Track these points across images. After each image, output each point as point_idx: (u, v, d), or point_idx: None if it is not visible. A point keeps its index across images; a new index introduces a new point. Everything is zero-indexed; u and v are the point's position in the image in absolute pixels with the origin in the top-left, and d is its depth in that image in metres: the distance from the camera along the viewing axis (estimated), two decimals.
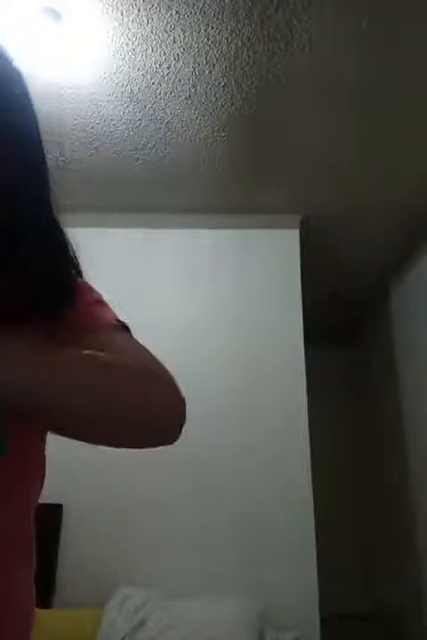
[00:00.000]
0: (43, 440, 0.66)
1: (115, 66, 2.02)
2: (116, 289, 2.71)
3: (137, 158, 2.52)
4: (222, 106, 2.21)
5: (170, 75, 2.06)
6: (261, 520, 2.42)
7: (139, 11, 1.80)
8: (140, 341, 0.67)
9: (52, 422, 0.58)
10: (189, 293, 2.81)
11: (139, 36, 1.89)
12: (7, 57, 0.65)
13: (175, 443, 0.64)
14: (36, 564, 0.65)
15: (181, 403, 0.62)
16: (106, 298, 0.72)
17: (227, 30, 1.87)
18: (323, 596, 2.34)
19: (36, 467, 0.65)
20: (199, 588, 2.26)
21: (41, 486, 0.67)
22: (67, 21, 1.82)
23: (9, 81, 0.64)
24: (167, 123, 2.31)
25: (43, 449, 0.67)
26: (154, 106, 2.22)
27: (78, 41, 1.90)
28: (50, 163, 0.75)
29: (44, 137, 0.71)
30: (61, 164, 2.54)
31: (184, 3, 1.77)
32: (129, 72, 2.04)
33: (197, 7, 1.79)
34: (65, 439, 0.61)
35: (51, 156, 2.42)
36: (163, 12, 1.80)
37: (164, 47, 1.94)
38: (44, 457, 0.67)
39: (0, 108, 0.61)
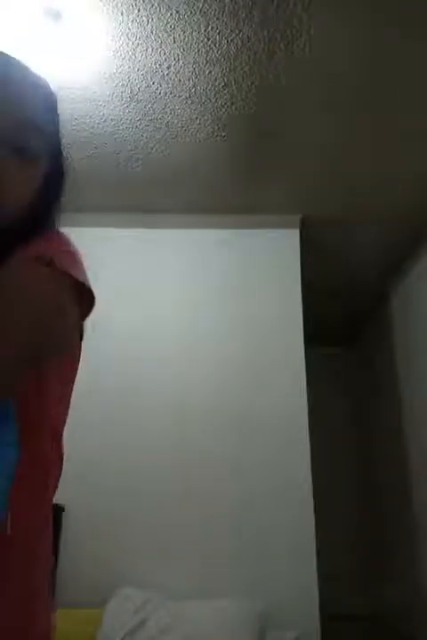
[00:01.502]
0: (55, 441, 0.68)
1: (115, 66, 2.01)
2: (116, 289, 2.73)
3: (137, 158, 2.52)
4: (222, 106, 2.20)
5: (170, 75, 2.06)
6: (262, 520, 2.42)
7: (139, 11, 1.80)
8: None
9: None
10: (189, 293, 2.81)
11: (139, 35, 1.89)
12: (38, 76, 0.73)
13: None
14: None
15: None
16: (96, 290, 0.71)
17: (227, 30, 1.87)
18: (323, 596, 2.34)
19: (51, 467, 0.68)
20: (199, 588, 2.26)
21: (55, 486, 0.69)
22: (67, 21, 1.82)
23: (46, 98, 0.73)
24: (167, 123, 2.31)
25: (57, 449, 0.69)
26: (154, 106, 2.22)
27: (78, 41, 1.90)
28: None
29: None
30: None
31: (184, 3, 1.77)
32: (129, 72, 2.04)
33: (197, 7, 1.79)
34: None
35: None
36: (163, 11, 1.80)
37: (164, 47, 1.94)
38: (61, 457, 0.70)
39: (43, 124, 0.70)
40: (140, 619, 2.04)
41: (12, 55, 0.71)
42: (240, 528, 2.41)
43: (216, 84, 2.10)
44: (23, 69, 0.71)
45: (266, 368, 2.67)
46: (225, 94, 2.14)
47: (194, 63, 2.00)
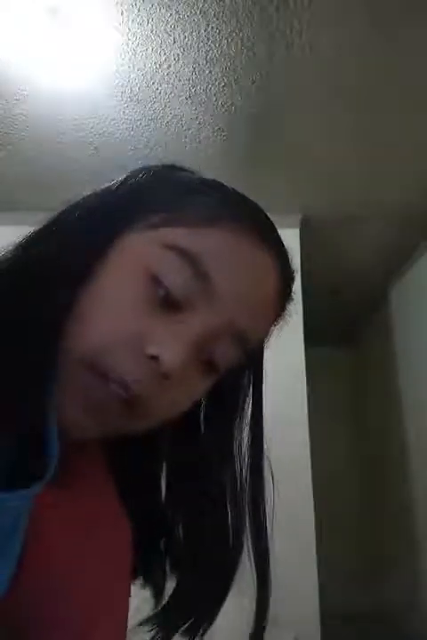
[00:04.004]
0: None
1: (115, 66, 2.01)
2: None
3: (137, 158, 2.52)
4: (222, 106, 2.20)
5: (170, 75, 2.06)
6: None
7: (139, 11, 1.80)
8: None
9: None
10: None
11: (139, 35, 1.88)
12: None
13: None
14: None
15: None
16: None
17: (227, 30, 1.87)
18: (323, 595, 2.34)
19: None
20: None
21: None
22: (67, 21, 1.82)
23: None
24: (167, 123, 2.31)
25: None
26: (154, 106, 2.22)
27: (78, 41, 1.90)
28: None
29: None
30: (61, 165, 2.53)
31: (184, 3, 1.77)
32: (129, 72, 2.04)
33: (197, 7, 1.78)
34: None
35: (51, 157, 2.42)
36: (163, 11, 1.80)
37: (164, 47, 1.94)
38: None
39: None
40: (140, 619, 2.04)
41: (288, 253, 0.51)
42: None
43: (216, 84, 2.10)
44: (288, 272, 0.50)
45: (266, 368, 2.67)
46: (225, 94, 2.14)
47: (194, 63, 2.00)
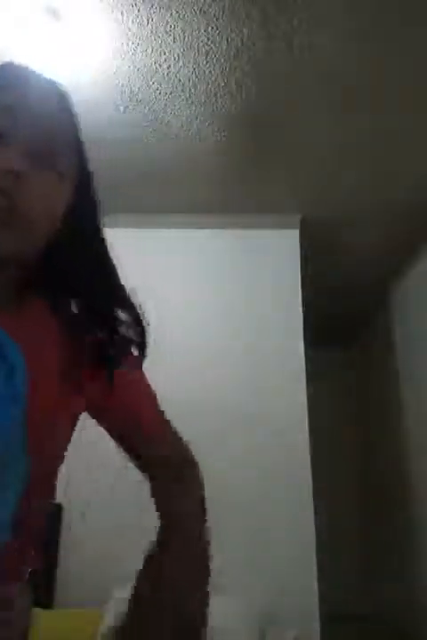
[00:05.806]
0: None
1: (115, 66, 2.01)
2: None
3: (137, 158, 2.52)
4: (222, 106, 2.20)
5: (170, 75, 2.06)
6: (261, 520, 2.42)
7: (139, 11, 1.80)
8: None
9: None
10: (189, 294, 2.81)
11: (139, 35, 1.89)
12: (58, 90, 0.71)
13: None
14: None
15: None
16: None
17: (227, 30, 1.87)
18: (323, 595, 2.34)
19: None
20: None
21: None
22: (67, 21, 1.82)
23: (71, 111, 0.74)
24: (167, 123, 2.31)
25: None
26: (154, 106, 2.22)
27: (78, 41, 1.90)
28: None
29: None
30: None
31: (184, 3, 1.77)
32: (129, 72, 2.04)
33: (197, 7, 1.79)
34: None
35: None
36: (163, 11, 1.80)
37: (164, 47, 1.94)
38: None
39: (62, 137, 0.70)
40: None
41: (23, 63, 0.68)
42: (240, 528, 2.41)
43: (216, 84, 2.10)
44: (45, 80, 0.70)
45: (266, 368, 2.67)
46: (225, 94, 2.14)
47: (194, 63, 2.00)
